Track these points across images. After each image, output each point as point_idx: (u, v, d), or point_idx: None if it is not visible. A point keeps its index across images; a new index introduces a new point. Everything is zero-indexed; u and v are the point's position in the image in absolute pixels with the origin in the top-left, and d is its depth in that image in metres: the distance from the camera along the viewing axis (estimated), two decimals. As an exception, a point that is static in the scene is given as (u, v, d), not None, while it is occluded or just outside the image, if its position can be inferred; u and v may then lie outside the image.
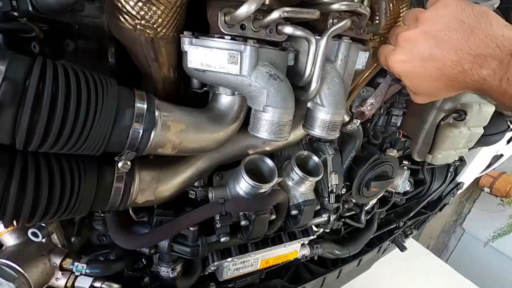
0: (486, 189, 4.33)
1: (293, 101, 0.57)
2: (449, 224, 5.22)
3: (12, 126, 0.35)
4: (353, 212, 1.11)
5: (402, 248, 1.35)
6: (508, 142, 1.49)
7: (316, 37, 0.55)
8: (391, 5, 0.64)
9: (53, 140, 0.39)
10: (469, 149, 1.26)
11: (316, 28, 0.61)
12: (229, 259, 0.77)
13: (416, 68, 0.53)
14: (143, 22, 0.48)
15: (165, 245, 0.69)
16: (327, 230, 0.96)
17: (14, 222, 0.44)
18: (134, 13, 0.46)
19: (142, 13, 0.47)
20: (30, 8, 0.38)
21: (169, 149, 0.54)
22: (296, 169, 0.73)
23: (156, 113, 0.49)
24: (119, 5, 0.46)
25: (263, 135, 0.58)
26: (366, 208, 1.12)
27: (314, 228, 0.98)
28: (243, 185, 0.67)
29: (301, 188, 0.77)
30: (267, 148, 0.76)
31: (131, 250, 0.74)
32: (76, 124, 0.39)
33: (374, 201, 1.15)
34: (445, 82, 0.51)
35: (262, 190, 0.67)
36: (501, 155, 1.60)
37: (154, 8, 0.47)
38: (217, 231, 0.69)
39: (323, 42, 0.56)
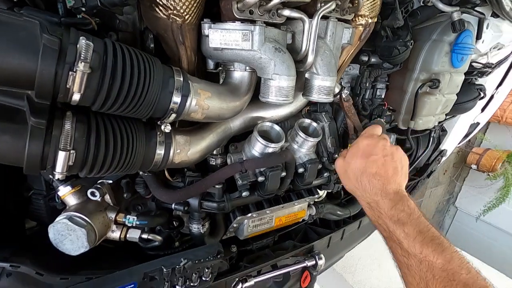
0: (474, 166, 4.55)
1: (295, 69, 0.71)
2: (443, 204, 5.45)
3: (97, 88, 0.47)
4: (350, 178, 1.26)
5: (397, 211, 1.50)
6: (482, 110, 1.67)
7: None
8: (366, -11, 0.79)
9: (122, 101, 0.51)
10: (446, 117, 1.43)
11: (307, 11, 0.74)
12: (249, 214, 0.90)
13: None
14: (174, 11, 0.61)
15: (195, 203, 0.82)
16: (329, 190, 1.10)
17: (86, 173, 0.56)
18: (168, 4, 0.60)
19: (174, 4, 0.60)
20: (99, 3, 0.51)
21: (199, 114, 0.67)
22: (300, 132, 0.86)
23: (190, 83, 0.62)
24: (157, -1, 0.59)
25: (272, 99, 0.71)
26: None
27: (319, 193, 1.12)
28: (257, 146, 0.81)
29: (304, 149, 0.90)
30: (274, 118, 0.90)
31: (165, 212, 0.86)
32: (138, 88, 0.52)
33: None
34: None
35: (273, 150, 0.81)
36: (478, 123, 1.78)
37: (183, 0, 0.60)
38: (239, 188, 0.82)
39: (314, 21, 0.70)
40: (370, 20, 0.89)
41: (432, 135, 1.41)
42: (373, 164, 0.72)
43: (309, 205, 1.10)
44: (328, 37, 0.78)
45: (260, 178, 0.82)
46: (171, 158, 0.69)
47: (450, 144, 1.72)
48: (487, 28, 1.21)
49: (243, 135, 0.90)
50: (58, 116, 0.50)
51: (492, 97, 1.60)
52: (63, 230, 0.61)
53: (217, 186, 0.81)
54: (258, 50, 0.66)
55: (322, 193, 1.20)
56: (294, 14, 0.69)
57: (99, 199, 0.69)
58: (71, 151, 0.49)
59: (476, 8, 1.09)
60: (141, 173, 0.74)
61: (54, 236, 0.62)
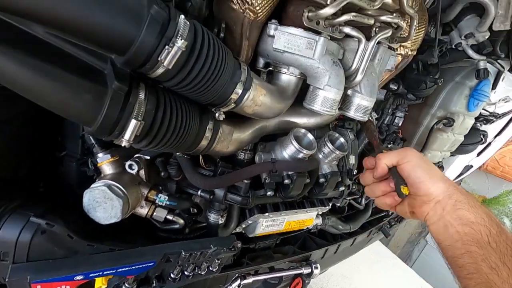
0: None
1: (344, 84, 0.75)
2: (414, 236, 5.68)
3: (182, 64, 0.49)
4: (356, 196, 1.31)
5: (387, 235, 1.57)
6: (478, 154, 1.78)
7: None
8: (417, 24, 0.85)
9: (197, 81, 0.53)
10: (450, 155, 1.51)
11: (363, 33, 0.79)
12: (266, 214, 0.92)
13: None
14: (250, 7, 0.63)
15: (220, 194, 0.83)
16: (338, 204, 1.14)
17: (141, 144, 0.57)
18: (247, -1, 0.62)
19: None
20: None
21: (251, 109, 0.69)
22: (328, 143, 0.90)
23: (252, 78, 0.64)
24: (238, -8, 0.61)
25: (317, 107, 0.75)
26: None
27: (329, 205, 1.16)
28: (290, 149, 0.83)
29: (327, 161, 0.94)
30: (306, 125, 0.93)
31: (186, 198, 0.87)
32: (214, 73, 0.53)
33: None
34: None
35: (303, 156, 0.83)
36: (471, 166, 1.89)
37: (262, -2, 0.63)
38: (265, 186, 0.83)
39: (371, 44, 0.74)
40: (410, 52, 0.95)
41: (434, 169, 1.49)
42: None
43: (316, 215, 1.14)
44: (376, 61, 0.82)
45: (286, 181, 0.84)
46: (214, 145, 0.70)
47: (444, 180, 1.83)
48: (502, 80, 1.31)
49: (270, 136, 0.92)
50: (134, 86, 0.50)
51: (489, 144, 1.72)
52: (99, 197, 0.61)
53: (245, 181, 0.82)
54: (318, 60, 0.69)
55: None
56: (354, 33, 0.73)
57: (134, 173, 0.69)
58: (141, 122, 0.50)
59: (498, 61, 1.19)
60: (178, 154, 0.74)
61: (88, 202, 0.61)
